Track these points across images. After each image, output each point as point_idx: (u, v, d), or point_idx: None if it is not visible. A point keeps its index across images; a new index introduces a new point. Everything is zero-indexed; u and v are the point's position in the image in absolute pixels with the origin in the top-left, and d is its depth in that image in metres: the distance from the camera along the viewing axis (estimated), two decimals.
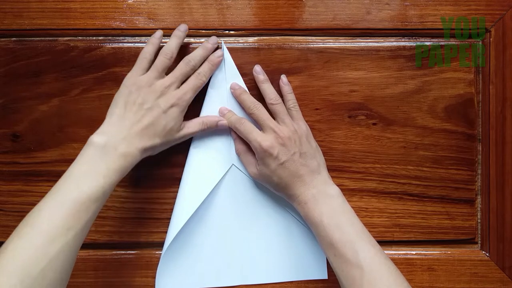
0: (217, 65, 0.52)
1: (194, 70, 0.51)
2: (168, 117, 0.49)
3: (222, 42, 0.54)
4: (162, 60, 0.50)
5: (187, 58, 0.51)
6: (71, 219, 0.41)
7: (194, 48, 0.52)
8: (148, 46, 0.50)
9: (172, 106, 0.49)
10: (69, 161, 0.46)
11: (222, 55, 0.53)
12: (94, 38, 0.55)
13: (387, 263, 0.45)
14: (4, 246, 0.40)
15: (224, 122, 0.53)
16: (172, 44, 0.50)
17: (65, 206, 0.41)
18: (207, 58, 0.52)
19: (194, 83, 0.51)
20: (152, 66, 0.50)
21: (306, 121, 0.53)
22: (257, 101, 0.52)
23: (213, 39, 0.53)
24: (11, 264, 0.38)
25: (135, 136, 0.47)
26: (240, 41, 0.55)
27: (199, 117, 0.53)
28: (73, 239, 0.41)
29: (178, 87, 0.50)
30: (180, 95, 0.49)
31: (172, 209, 0.53)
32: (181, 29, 0.52)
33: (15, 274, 0.38)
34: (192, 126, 0.52)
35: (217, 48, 0.53)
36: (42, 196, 0.44)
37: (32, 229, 0.40)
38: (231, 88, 0.53)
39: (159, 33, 0.51)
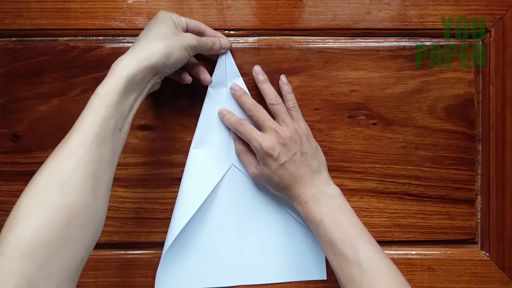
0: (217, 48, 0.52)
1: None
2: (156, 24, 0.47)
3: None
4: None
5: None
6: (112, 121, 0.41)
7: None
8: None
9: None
10: None
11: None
12: (94, 38, 0.55)
13: (386, 262, 0.45)
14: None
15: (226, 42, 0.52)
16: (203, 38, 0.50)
17: (76, 128, 0.41)
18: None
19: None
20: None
21: (306, 121, 0.53)
22: (257, 103, 0.52)
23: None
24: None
25: (137, 48, 0.45)
26: (240, 41, 0.55)
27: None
28: (88, 153, 0.40)
29: None
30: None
31: (172, 209, 0.53)
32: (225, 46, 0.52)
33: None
34: (190, 38, 0.48)
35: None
36: None
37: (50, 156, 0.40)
38: (231, 89, 0.53)
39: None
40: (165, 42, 0.45)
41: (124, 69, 0.43)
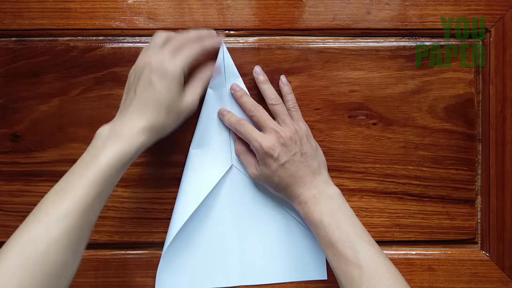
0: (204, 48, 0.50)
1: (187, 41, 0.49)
2: (162, 92, 0.46)
3: (222, 42, 0.54)
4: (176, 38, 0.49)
5: (181, 32, 0.50)
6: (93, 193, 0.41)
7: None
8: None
9: (163, 78, 0.46)
10: (69, 161, 0.46)
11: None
12: (94, 38, 0.55)
13: (386, 262, 0.45)
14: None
15: (217, 70, 0.52)
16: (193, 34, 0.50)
17: (67, 192, 0.41)
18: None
19: (185, 53, 0.48)
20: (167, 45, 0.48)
21: (306, 121, 0.53)
22: (257, 103, 0.52)
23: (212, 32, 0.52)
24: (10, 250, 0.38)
25: (136, 114, 0.45)
26: (240, 41, 0.55)
27: (195, 78, 0.51)
28: (76, 222, 0.40)
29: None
30: (172, 67, 0.47)
31: (172, 209, 0.53)
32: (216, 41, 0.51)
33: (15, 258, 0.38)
34: (193, 89, 0.49)
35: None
36: (42, 196, 0.44)
37: (33, 216, 0.40)
38: (231, 89, 0.53)
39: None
40: (176, 115, 0.47)
41: (135, 140, 0.44)
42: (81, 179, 0.41)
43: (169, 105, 0.46)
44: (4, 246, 0.38)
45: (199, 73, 0.51)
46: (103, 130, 0.45)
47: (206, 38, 0.51)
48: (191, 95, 0.49)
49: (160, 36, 0.49)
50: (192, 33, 0.50)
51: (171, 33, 0.49)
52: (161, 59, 0.46)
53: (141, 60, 0.48)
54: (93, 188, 0.41)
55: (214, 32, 0.52)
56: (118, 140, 0.43)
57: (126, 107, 0.46)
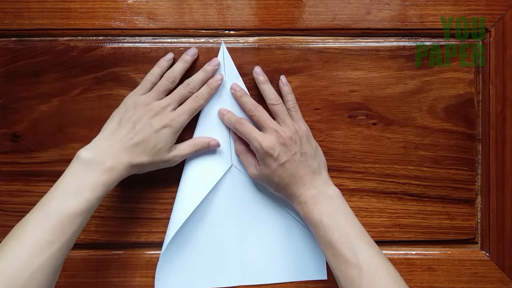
0: (216, 89, 0.53)
1: (192, 93, 0.52)
2: (159, 137, 0.49)
3: (222, 42, 0.54)
4: (164, 82, 0.51)
5: (186, 81, 0.52)
6: (56, 232, 0.42)
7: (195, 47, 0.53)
8: (155, 68, 0.52)
9: (164, 126, 0.49)
10: (69, 161, 0.46)
11: (221, 79, 0.53)
12: (94, 38, 0.55)
13: (385, 264, 0.45)
14: None
15: (215, 142, 0.53)
16: (176, 69, 0.52)
17: (50, 220, 0.42)
18: (207, 81, 0.52)
19: (190, 105, 0.51)
20: (154, 88, 0.51)
21: (306, 121, 0.53)
22: (257, 103, 0.52)
23: (214, 61, 0.53)
24: None
25: (123, 151, 0.47)
26: (240, 41, 0.55)
27: (190, 139, 0.53)
28: (58, 251, 0.42)
29: (175, 109, 0.51)
30: (174, 117, 0.50)
31: (171, 209, 0.53)
32: (190, 54, 0.52)
33: None
34: (183, 148, 0.52)
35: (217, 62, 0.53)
36: (42, 196, 0.44)
37: (16, 242, 0.41)
38: (231, 89, 0.53)
39: (169, 55, 0.52)
40: (159, 163, 0.50)
41: (116, 174, 0.46)
42: (63, 211, 0.43)
43: (158, 152, 0.49)
44: None
45: (198, 139, 0.53)
46: (85, 155, 0.46)
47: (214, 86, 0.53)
48: (178, 152, 0.51)
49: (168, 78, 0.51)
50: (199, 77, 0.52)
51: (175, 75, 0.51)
52: (167, 108, 0.50)
53: (147, 99, 0.50)
54: (80, 221, 0.44)
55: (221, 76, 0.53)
56: (99, 170, 0.45)
57: (117, 136, 0.48)
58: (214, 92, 0.53)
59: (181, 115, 0.50)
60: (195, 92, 0.52)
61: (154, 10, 0.54)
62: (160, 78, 0.51)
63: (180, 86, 0.51)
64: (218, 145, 0.53)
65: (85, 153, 0.46)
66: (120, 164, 0.47)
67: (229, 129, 0.54)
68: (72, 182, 0.44)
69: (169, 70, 0.52)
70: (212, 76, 0.53)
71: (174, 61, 0.53)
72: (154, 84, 0.51)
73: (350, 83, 0.55)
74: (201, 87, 0.52)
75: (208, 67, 0.52)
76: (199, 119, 0.53)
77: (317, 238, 0.49)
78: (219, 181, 0.54)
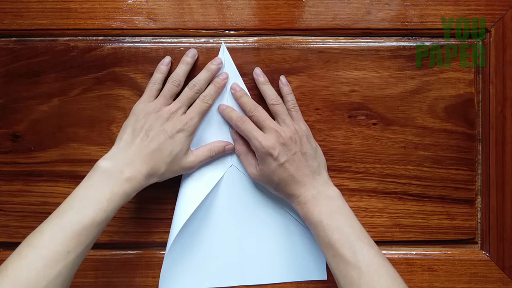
0: (222, 87, 0.53)
1: (199, 93, 0.52)
2: (175, 143, 0.49)
3: (222, 42, 0.54)
4: (170, 87, 0.51)
5: (192, 83, 0.51)
6: (73, 242, 0.42)
7: (194, 48, 0.53)
8: (156, 74, 0.52)
9: (178, 131, 0.49)
10: (69, 161, 0.46)
11: (227, 78, 0.53)
12: (94, 38, 0.55)
13: (385, 264, 0.45)
14: (5, 266, 0.40)
15: (230, 146, 0.53)
16: (180, 72, 0.51)
17: (67, 230, 0.42)
18: (212, 80, 0.52)
19: (200, 107, 0.51)
20: (160, 93, 0.51)
21: (306, 121, 0.54)
22: (257, 104, 0.52)
23: (217, 60, 0.53)
24: (11, 285, 0.39)
25: (141, 161, 0.47)
26: (240, 41, 0.55)
27: (205, 144, 0.53)
28: (73, 261, 0.42)
29: (185, 112, 0.51)
30: (186, 120, 0.50)
31: (171, 209, 0.53)
32: (190, 55, 0.52)
33: None
34: (200, 154, 0.52)
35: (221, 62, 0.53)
36: (42, 196, 0.44)
37: (33, 250, 0.41)
38: (231, 89, 0.53)
39: (167, 59, 0.52)
40: (176, 170, 0.50)
41: (135, 184, 0.46)
42: (80, 222, 0.43)
43: (175, 158, 0.49)
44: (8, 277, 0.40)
45: (213, 144, 0.53)
46: (104, 165, 0.46)
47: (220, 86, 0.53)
48: (196, 158, 0.51)
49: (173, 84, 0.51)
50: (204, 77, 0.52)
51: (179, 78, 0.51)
52: (178, 113, 0.50)
53: (156, 105, 0.50)
54: (96, 231, 0.44)
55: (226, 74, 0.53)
56: (118, 180, 0.45)
57: (133, 146, 0.48)
58: (221, 90, 0.53)
59: (193, 118, 0.50)
60: (201, 92, 0.52)
61: (154, 10, 0.54)
62: (163, 83, 0.51)
63: (186, 88, 0.51)
64: (233, 149, 0.53)
65: (104, 163, 0.46)
66: (138, 173, 0.47)
67: (229, 129, 0.54)
68: (90, 192, 0.44)
69: (172, 74, 0.51)
70: (216, 74, 0.53)
71: (172, 63, 0.53)
72: (159, 90, 0.51)
73: (350, 83, 0.55)
74: (206, 86, 0.52)
75: (212, 65, 0.52)
76: None
77: (316, 239, 0.49)
78: (219, 181, 0.54)
